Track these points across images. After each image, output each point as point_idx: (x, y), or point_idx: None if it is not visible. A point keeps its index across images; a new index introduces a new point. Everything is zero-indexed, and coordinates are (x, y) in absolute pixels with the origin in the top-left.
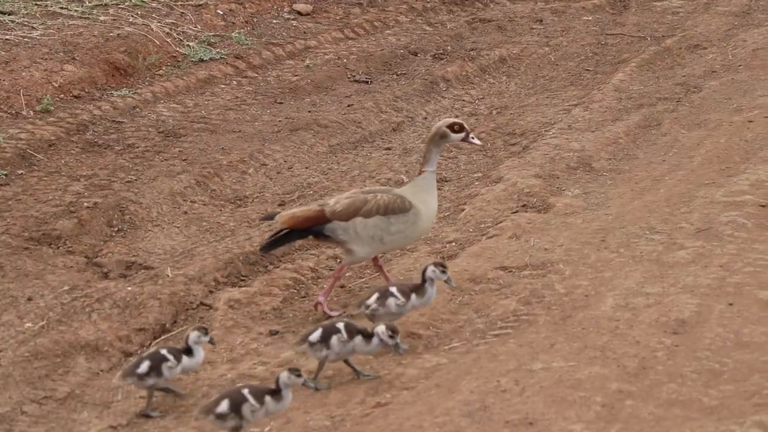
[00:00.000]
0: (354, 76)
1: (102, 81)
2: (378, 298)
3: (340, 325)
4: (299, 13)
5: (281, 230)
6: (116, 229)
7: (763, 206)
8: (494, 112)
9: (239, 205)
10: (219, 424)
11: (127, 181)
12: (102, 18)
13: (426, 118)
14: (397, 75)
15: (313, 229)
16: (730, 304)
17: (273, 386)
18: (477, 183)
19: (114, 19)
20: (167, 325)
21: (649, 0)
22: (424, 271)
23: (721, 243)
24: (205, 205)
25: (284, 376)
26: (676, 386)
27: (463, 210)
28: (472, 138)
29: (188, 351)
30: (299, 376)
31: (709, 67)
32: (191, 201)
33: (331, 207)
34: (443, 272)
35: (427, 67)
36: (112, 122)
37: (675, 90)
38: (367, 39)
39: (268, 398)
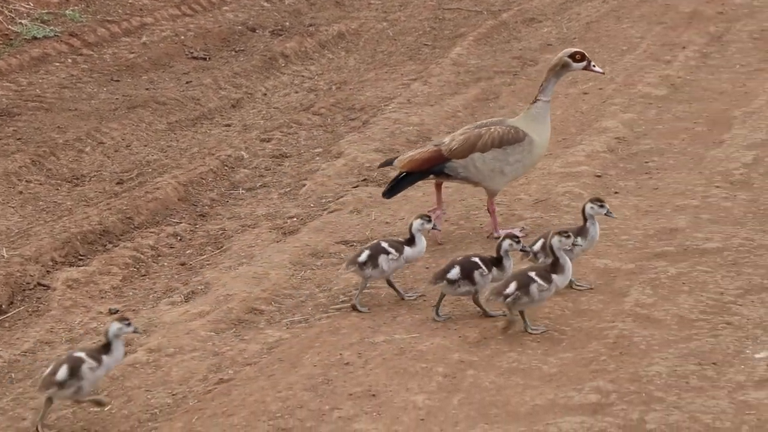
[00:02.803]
0: (192, 52)
1: None
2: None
3: (476, 259)
4: None
5: (400, 174)
6: None
7: (599, 176)
8: (334, 87)
9: (76, 184)
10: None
11: None
12: None
13: (265, 94)
14: (236, 51)
15: (432, 169)
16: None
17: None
18: (318, 158)
19: None
20: (3, 306)
21: None
22: (583, 210)
23: (558, 213)
24: (41, 184)
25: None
26: (516, 355)
27: (304, 185)
28: (594, 66)
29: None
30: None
31: (544, 41)
32: (26, 181)
33: (447, 145)
34: (602, 206)
35: (266, 44)
36: None
37: (512, 63)
38: (204, 15)
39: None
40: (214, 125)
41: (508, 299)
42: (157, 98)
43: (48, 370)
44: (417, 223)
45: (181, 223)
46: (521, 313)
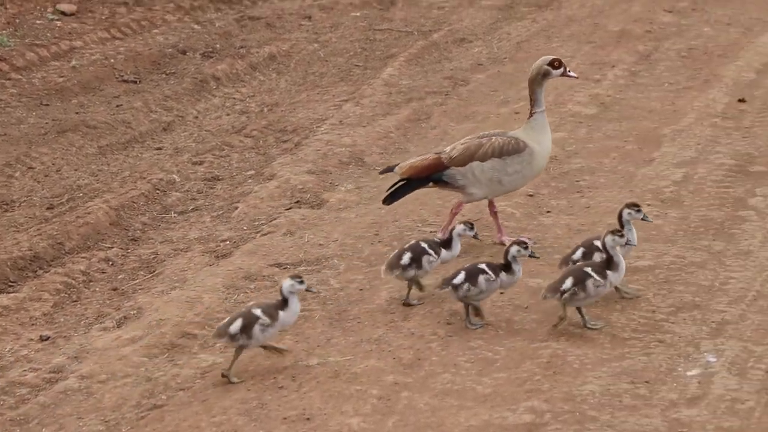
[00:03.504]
0: (122, 76)
1: None
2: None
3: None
4: (63, 13)
5: (399, 181)
6: None
7: (531, 195)
8: (265, 109)
9: (6, 209)
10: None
11: None
12: None
13: (197, 117)
14: (167, 74)
15: (431, 176)
16: (501, 293)
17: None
18: (250, 180)
19: None
20: None
21: None
22: (620, 215)
23: (491, 233)
24: None
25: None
26: (450, 376)
27: (236, 208)
28: (569, 72)
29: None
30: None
31: (475, 60)
32: None
33: (448, 154)
34: (638, 211)
35: (197, 66)
36: None
37: (443, 83)
38: (134, 39)
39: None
40: (146, 149)
41: (565, 295)
42: (87, 122)
43: (224, 321)
44: (459, 228)
45: (112, 247)
46: (579, 309)
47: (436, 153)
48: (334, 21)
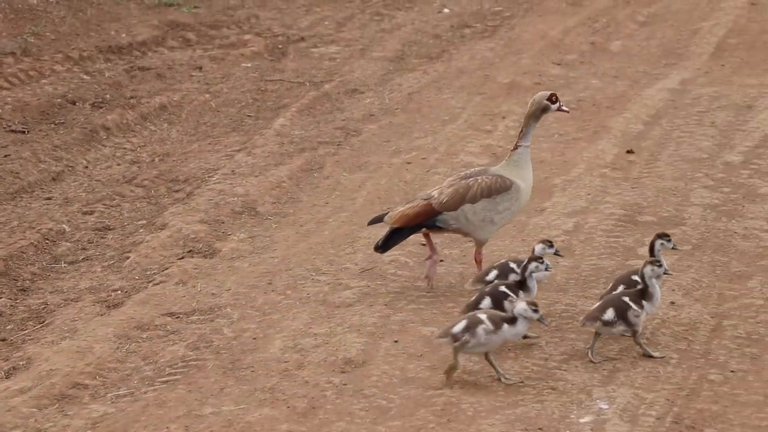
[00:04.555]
0: (10, 126)
1: None
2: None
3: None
4: None
5: (391, 229)
6: None
7: (424, 245)
8: (157, 159)
9: None
10: None
11: None
12: None
13: (87, 167)
14: (56, 124)
15: (424, 223)
16: (396, 342)
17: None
18: (142, 230)
19: None
20: None
21: (307, 47)
22: (652, 247)
23: (385, 282)
24: None
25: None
26: (345, 424)
27: (128, 258)
28: (562, 106)
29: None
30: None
31: (367, 111)
32: None
33: (438, 199)
34: (669, 241)
35: (87, 116)
36: None
37: (335, 134)
38: (22, 88)
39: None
40: (34, 199)
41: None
42: None
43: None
44: (539, 248)
45: (0, 298)
46: (639, 344)
47: (424, 199)
48: (225, 71)
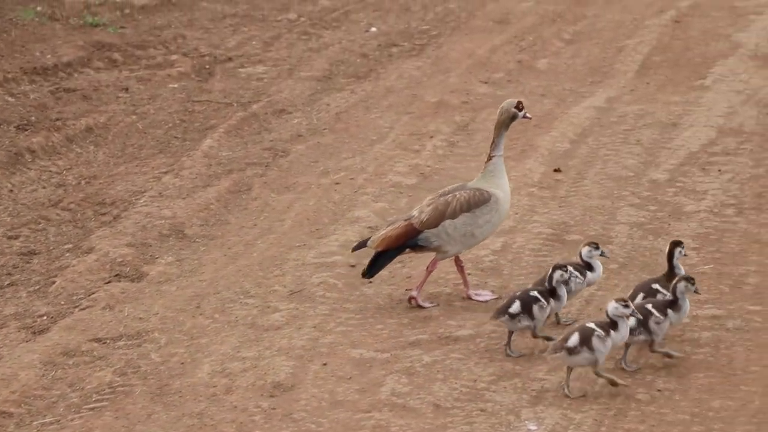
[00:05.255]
0: None
1: None
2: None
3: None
4: None
5: (375, 253)
6: None
7: (353, 266)
8: (83, 182)
9: None
10: None
11: None
12: None
13: (12, 190)
14: None
15: (407, 243)
16: (324, 364)
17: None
18: (68, 254)
19: None
20: None
21: (234, 67)
22: (671, 256)
23: (313, 304)
24: None
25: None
26: None
27: (54, 282)
28: (527, 113)
29: (589, 266)
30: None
31: (295, 132)
32: None
33: (419, 218)
34: (683, 247)
35: (11, 139)
36: None
37: (263, 155)
38: None
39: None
40: None
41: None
42: None
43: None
44: (585, 251)
45: None
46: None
47: (405, 219)
48: (152, 93)
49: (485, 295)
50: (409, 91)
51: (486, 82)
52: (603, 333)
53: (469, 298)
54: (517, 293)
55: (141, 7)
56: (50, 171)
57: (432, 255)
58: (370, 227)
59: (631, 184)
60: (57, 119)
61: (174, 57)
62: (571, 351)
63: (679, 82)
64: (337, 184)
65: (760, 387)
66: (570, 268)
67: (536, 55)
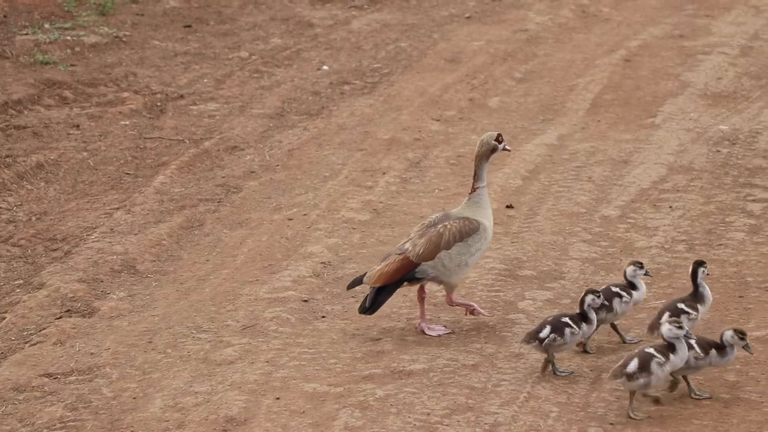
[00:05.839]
0: None
1: None
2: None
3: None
4: None
5: (376, 289)
6: None
7: (306, 301)
8: (33, 218)
9: None
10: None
11: None
12: None
13: None
14: None
15: (405, 277)
16: (278, 398)
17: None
18: (18, 290)
19: None
20: None
21: (186, 105)
22: (695, 275)
23: (266, 339)
24: None
25: (728, 334)
26: None
27: (4, 318)
28: (506, 145)
29: (633, 286)
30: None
31: (248, 168)
32: None
33: (414, 252)
34: (706, 267)
35: None
36: None
37: (216, 191)
38: None
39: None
40: None
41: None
42: None
43: (620, 362)
44: (630, 270)
45: None
46: (684, 377)
47: (399, 253)
48: (103, 129)
49: (438, 330)
50: (361, 128)
51: (438, 120)
52: (662, 358)
53: (422, 332)
54: (549, 318)
55: (91, 46)
56: (0, 207)
57: (426, 285)
58: (323, 263)
59: (583, 220)
60: (7, 156)
61: (125, 94)
62: (630, 377)
63: (630, 120)
64: (290, 219)
65: (711, 420)
66: (602, 294)
67: (488, 93)
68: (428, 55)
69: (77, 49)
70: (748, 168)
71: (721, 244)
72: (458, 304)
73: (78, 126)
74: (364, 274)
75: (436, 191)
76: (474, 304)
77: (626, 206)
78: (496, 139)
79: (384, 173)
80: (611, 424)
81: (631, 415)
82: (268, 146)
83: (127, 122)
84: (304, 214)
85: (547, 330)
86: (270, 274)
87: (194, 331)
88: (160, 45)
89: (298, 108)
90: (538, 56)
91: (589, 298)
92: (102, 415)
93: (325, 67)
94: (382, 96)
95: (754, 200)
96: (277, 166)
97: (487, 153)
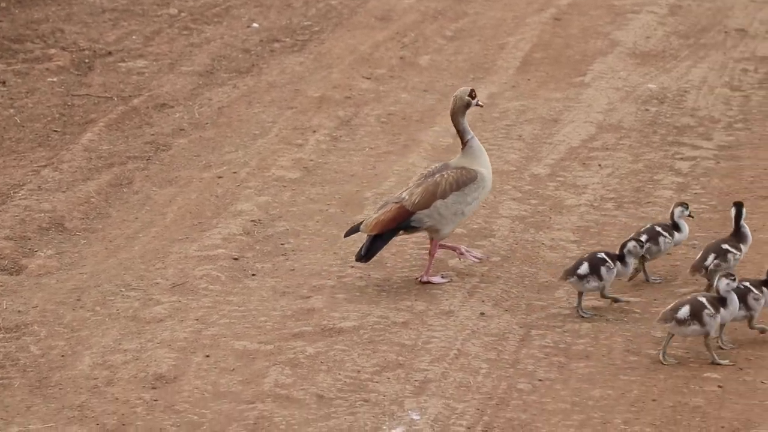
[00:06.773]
0: None
1: None
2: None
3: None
4: None
5: (372, 237)
6: None
7: (236, 259)
8: None
9: None
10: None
11: None
12: None
13: None
14: None
15: (400, 225)
16: (207, 356)
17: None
18: None
19: None
20: None
21: (114, 62)
22: (738, 217)
23: (196, 297)
24: None
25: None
26: None
27: None
28: (479, 101)
29: (676, 227)
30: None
31: (177, 126)
32: None
33: (410, 200)
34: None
35: None
36: None
37: (145, 148)
38: None
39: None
40: None
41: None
42: None
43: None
44: (677, 211)
45: None
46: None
47: (395, 202)
48: (29, 86)
49: (440, 279)
50: (291, 86)
51: (369, 78)
52: (713, 310)
53: (428, 282)
54: (585, 255)
55: (17, 1)
56: None
57: (420, 235)
58: (253, 221)
59: (513, 178)
60: None
61: (52, 51)
62: (681, 322)
63: (560, 78)
64: (220, 177)
65: (638, 376)
66: (643, 241)
67: (418, 51)
68: (359, 13)
69: (2, 4)
70: (676, 126)
71: (649, 202)
72: (446, 247)
73: (4, 83)
74: (361, 222)
75: (367, 149)
76: (461, 246)
77: (556, 164)
78: (470, 95)
79: (314, 131)
80: (540, 380)
81: (661, 358)
82: (197, 104)
83: (55, 79)
84: (234, 172)
85: (585, 266)
86: (200, 232)
87: (123, 289)
88: (87, 1)
89: (228, 65)
90: (468, 14)
91: (631, 244)
92: (30, 372)
93: (255, 25)
94: (312, 54)
95: (681, 158)
96: (207, 123)
97: (462, 108)
